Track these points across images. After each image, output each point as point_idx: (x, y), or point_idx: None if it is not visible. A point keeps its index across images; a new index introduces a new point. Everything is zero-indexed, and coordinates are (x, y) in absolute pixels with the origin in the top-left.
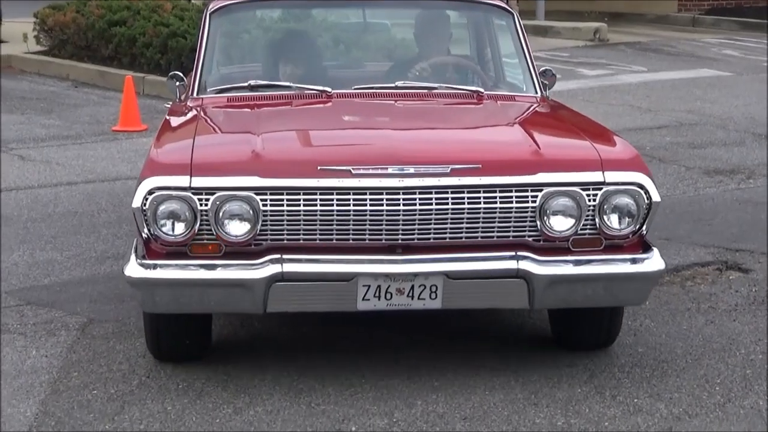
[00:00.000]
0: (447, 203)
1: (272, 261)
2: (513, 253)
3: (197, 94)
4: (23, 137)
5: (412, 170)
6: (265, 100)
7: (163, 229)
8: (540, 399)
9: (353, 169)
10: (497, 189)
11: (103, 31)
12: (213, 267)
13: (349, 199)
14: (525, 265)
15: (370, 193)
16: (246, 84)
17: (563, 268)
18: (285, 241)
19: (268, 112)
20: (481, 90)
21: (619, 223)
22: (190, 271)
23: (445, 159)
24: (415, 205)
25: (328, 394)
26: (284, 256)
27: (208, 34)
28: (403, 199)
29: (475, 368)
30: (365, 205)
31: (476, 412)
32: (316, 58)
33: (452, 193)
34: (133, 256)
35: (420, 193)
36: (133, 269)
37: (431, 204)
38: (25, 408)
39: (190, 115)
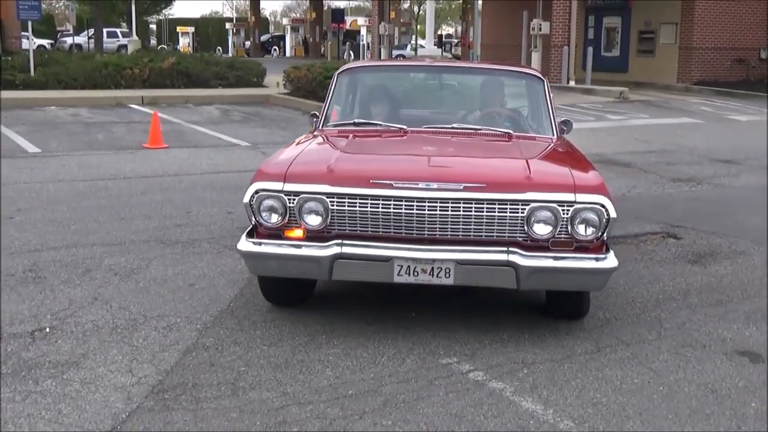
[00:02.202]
0: (459, 210)
1: (336, 244)
2: (506, 249)
3: (321, 126)
4: (267, 141)
5: (435, 186)
6: (361, 132)
7: (264, 218)
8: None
9: (394, 183)
10: (496, 202)
11: (321, 81)
12: (297, 246)
13: (390, 204)
14: (513, 258)
15: (405, 201)
16: (352, 121)
17: (541, 261)
18: (347, 231)
19: (355, 141)
20: (511, 132)
21: (585, 231)
22: (281, 248)
23: (460, 179)
24: (436, 210)
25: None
26: (344, 242)
27: (334, 86)
28: (428, 206)
29: (483, 324)
30: (401, 209)
31: (477, 348)
32: (403, 106)
33: (463, 203)
34: (243, 236)
35: (440, 203)
36: (243, 245)
37: (448, 210)
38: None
39: (305, 141)
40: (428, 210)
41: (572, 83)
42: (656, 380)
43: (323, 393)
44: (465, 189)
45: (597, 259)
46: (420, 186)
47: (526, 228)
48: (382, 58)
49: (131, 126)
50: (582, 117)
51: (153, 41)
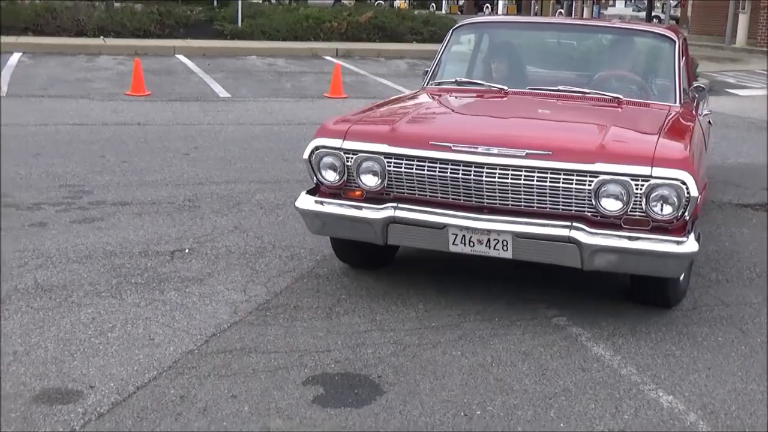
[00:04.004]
0: (520, 179)
1: (390, 208)
2: (569, 224)
3: (426, 84)
4: None
5: (496, 151)
6: (458, 92)
7: (323, 175)
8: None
9: (453, 145)
10: (561, 172)
11: None
12: (352, 207)
13: (447, 168)
14: (576, 234)
15: (463, 165)
16: (453, 80)
17: (607, 239)
18: (405, 194)
19: (441, 101)
20: (621, 97)
21: (662, 209)
22: (337, 207)
23: (524, 144)
24: (495, 177)
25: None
26: (399, 205)
27: (447, 43)
28: (486, 172)
29: (582, 280)
30: (458, 173)
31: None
32: (513, 65)
33: (525, 171)
34: (303, 192)
35: (500, 169)
36: (301, 201)
37: (507, 178)
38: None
39: (409, 98)
40: (486, 176)
41: None
42: (741, 340)
43: (407, 323)
44: (528, 156)
45: (672, 242)
46: (479, 150)
47: (594, 202)
48: (571, 15)
49: (320, 76)
50: None
51: None
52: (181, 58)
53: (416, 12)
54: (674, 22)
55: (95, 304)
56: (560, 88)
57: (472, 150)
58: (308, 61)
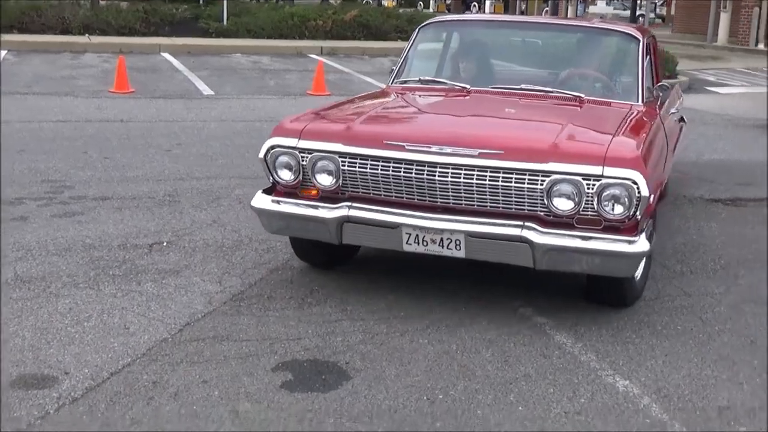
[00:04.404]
0: (472, 178)
1: (344, 207)
2: (521, 223)
3: (391, 83)
4: None
5: (449, 150)
6: (421, 91)
7: (279, 174)
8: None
9: (407, 145)
10: (513, 171)
11: None
12: (307, 206)
13: (401, 167)
14: (528, 233)
15: (417, 165)
16: (417, 78)
17: (558, 239)
18: (360, 194)
19: (406, 99)
20: (582, 96)
21: (613, 209)
22: (291, 207)
23: (477, 143)
24: (447, 177)
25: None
26: (353, 204)
27: (413, 41)
28: (439, 172)
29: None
30: (412, 173)
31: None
32: (477, 64)
33: (477, 171)
34: (259, 192)
35: (453, 168)
36: (256, 201)
37: (460, 177)
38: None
39: (371, 96)
40: (439, 176)
41: (761, 46)
42: (700, 328)
43: (377, 313)
44: (480, 155)
45: (624, 242)
46: (433, 150)
47: (546, 202)
48: (562, 16)
49: (304, 74)
50: (760, 81)
51: None
52: (166, 56)
53: (401, 10)
54: (660, 20)
55: (73, 295)
56: (523, 86)
57: (425, 149)
58: (293, 59)
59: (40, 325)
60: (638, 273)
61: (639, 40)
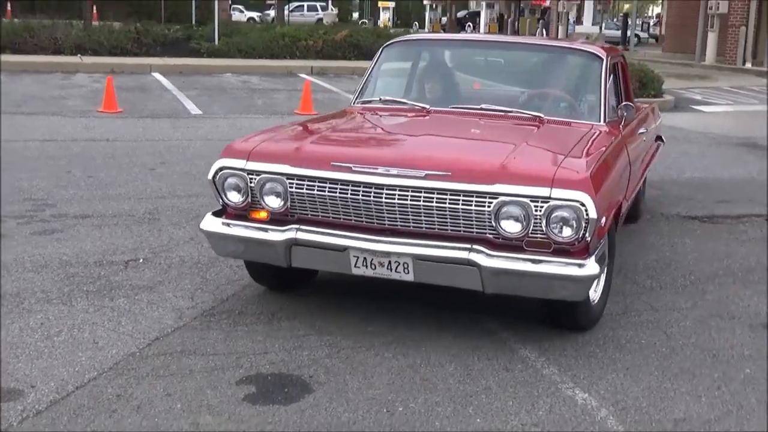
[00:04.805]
0: (419, 200)
1: (292, 229)
2: (469, 246)
3: (352, 104)
4: None
5: (395, 171)
6: (381, 111)
7: (227, 196)
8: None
9: (354, 166)
10: (461, 193)
11: None
12: (255, 229)
13: (348, 189)
14: (475, 256)
15: (363, 186)
16: (378, 98)
17: (505, 262)
18: (308, 215)
19: (363, 119)
20: (542, 116)
21: (561, 231)
22: (239, 230)
23: (425, 165)
24: (394, 199)
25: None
26: (301, 227)
27: (376, 61)
28: (386, 194)
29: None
30: (359, 195)
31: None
32: (439, 84)
33: (424, 192)
34: (208, 215)
35: (399, 190)
36: (205, 224)
37: (407, 199)
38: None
39: (329, 117)
40: (386, 198)
41: (748, 65)
42: (663, 342)
43: (345, 329)
44: (427, 177)
45: (573, 265)
46: (379, 171)
47: (494, 224)
48: (553, 35)
49: (292, 93)
50: (745, 99)
51: (356, 15)
52: (157, 75)
53: (392, 30)
54: (654, 40)
55: (45, 311)
56: (483, 106)
57: (371, 171)
58: (283, 79)
59: (11, 339)
60: (596, 296)
61: (602, 59)
